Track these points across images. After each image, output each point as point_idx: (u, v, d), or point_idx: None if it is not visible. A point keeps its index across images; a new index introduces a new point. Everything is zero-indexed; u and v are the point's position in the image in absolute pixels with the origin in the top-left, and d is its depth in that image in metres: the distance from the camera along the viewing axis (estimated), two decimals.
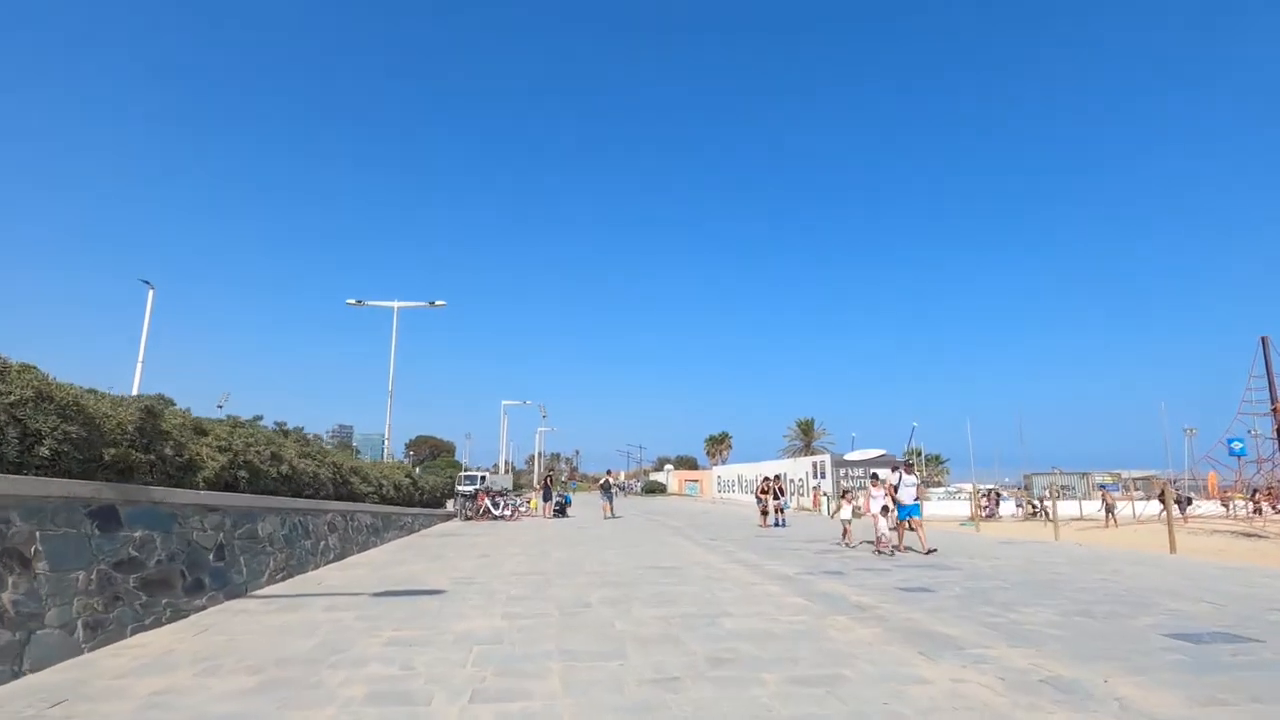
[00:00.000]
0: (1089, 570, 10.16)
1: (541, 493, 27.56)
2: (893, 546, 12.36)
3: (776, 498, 20.57)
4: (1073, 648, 5.26)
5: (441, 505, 24.80)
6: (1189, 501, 29.58)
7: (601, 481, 28.75)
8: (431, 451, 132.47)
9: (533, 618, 6.34)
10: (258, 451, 10.03)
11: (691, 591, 7.89)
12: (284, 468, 10.88)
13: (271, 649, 5.05)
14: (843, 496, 15.17)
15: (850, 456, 43.79)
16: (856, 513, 14.50)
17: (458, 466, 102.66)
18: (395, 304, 29.50)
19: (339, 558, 11.03)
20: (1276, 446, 22.66)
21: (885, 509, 12.63)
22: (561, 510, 26.06)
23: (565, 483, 63.65)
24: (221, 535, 7.41)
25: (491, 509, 23.17)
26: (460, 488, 27.15)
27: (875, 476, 13.33)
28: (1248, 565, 11.63)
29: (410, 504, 20.94)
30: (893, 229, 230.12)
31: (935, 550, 12.33)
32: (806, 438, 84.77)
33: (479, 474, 39.21)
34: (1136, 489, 45.07)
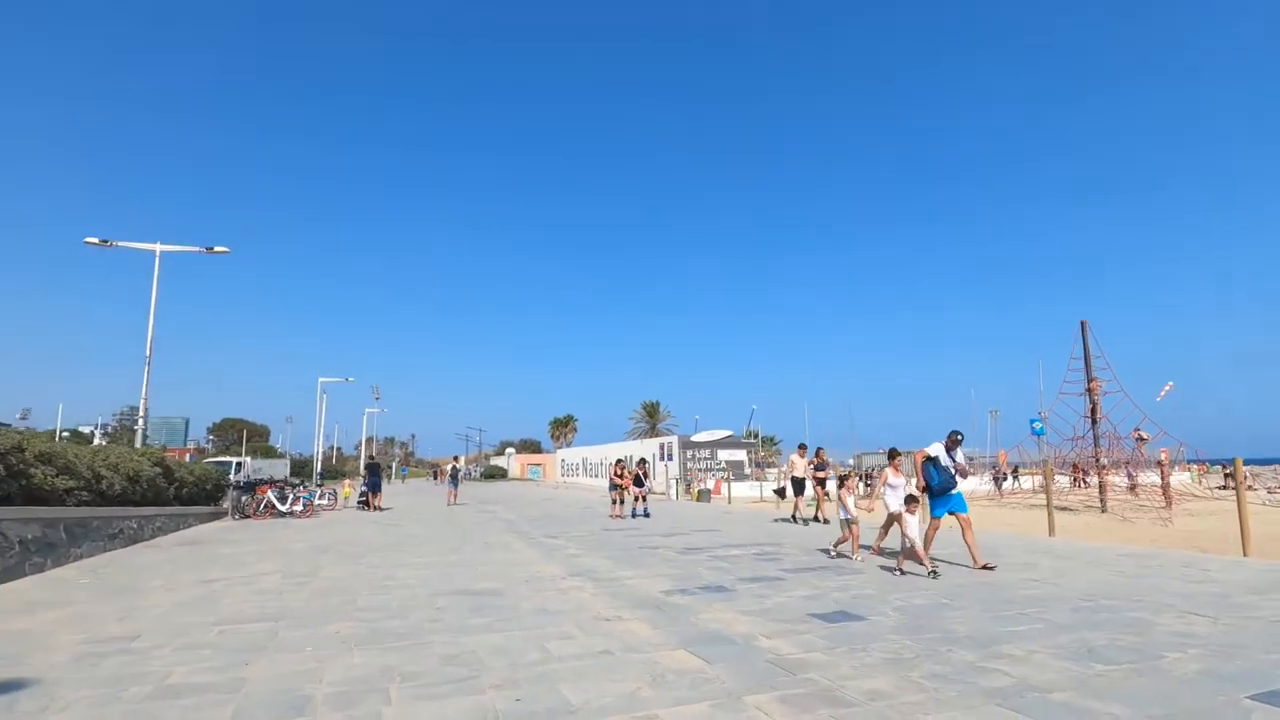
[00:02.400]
0: (1003, 566, 8.44)
1: (367, 480, 22.72)
2: (934, 561, 8.00)
3: (639, 484, 17.56)
4: None
5: (214, 500, 19.58)
6: (1006, 478, 31.44)
7: (449, 467, 27.98)
8: (241, 436, 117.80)
9: None
10: None
11: (512, 645, 4.84)
12: None
13: None
14: (842, 484, 9.64)
15: (697, 438, 42.82)
16: (860, 506, 9.83)
17: (272, 452, 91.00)
18: (157, 247, 23.30)
19: None
20: (1089, 425, 23.89)
21: (913, 501, 8.22)
22: (365, 501, 21.74)
23: (395, 467, 57.37)
24: None
25: (277, 504, 18.45)
26: (233, 477, 21.81)
27: (894, 454, 9.14)
28: (1129, 549, 10.74)
29: (156, 501, 15.96)
30: (722, 222, 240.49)
31: (994, 567, 8.20)
32: (651, 420, 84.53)
33: (234, 460, 32.84)
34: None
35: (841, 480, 9.69)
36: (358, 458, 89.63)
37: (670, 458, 40.79)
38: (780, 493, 15.84)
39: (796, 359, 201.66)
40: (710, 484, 34.30)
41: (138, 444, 22.33)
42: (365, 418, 75.66)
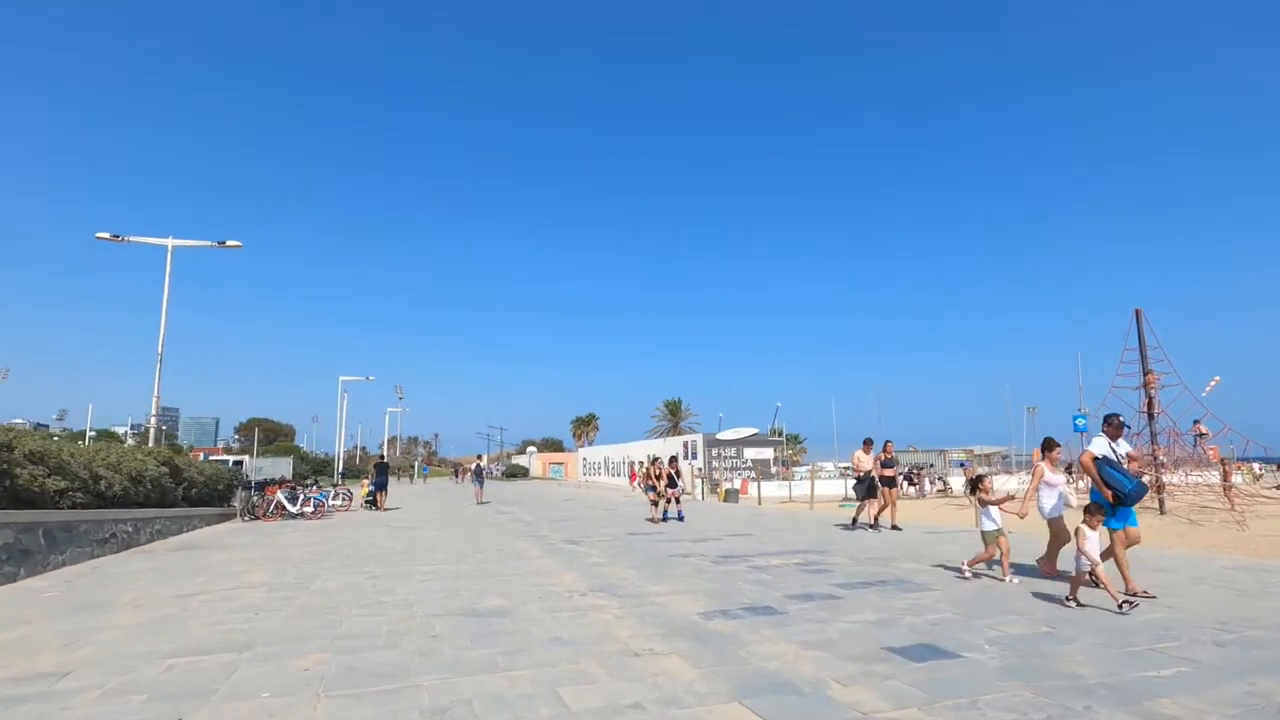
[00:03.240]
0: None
1: (374, 479, 22.76)
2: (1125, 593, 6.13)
3: (673, 484, 16.18)
4: None
5: (225, 501, 18.92)
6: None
7: (474, 466, 28.91)
8: (267, 436, 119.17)
9: None
10: None
11: (518, 692, 3.83)
12: None
13: None
14: (977, 485, 7.86)
15: (722, 435, 41.62)
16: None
17: (296, 451, 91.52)
18: (169, 241, 22.92)
19: None
20: (1146, 420, 22.29)
21: (1096, 511, 6.14)
22: (373, 500, 21.48)
23: (417, 467, 56.99)
24: None
25: (287, 504, 17.72)
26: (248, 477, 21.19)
27: (1050, 444, 7.39)
28: (1228, 559, 9.45)
29: (161, 503, 15.34)
30: (739, 219, 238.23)
31: (1148, 596, 6.31)
32: (674, 418, 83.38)
33: (231, 459, 32.38)
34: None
35: (975, 483, 7.97)
36: (381, 457, 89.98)
37: (695, 456, 39.68)
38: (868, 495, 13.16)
39: (822, 356, 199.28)
40: (737, 483, 33.17)
41: (150, 443, 21.85)
42: (387, 417, 75.68)
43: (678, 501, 16.05)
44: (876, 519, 12.98)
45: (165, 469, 16.15)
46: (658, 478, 15.87)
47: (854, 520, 13.20)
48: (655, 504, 15.82)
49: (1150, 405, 22.42)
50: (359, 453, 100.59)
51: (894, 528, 12.77)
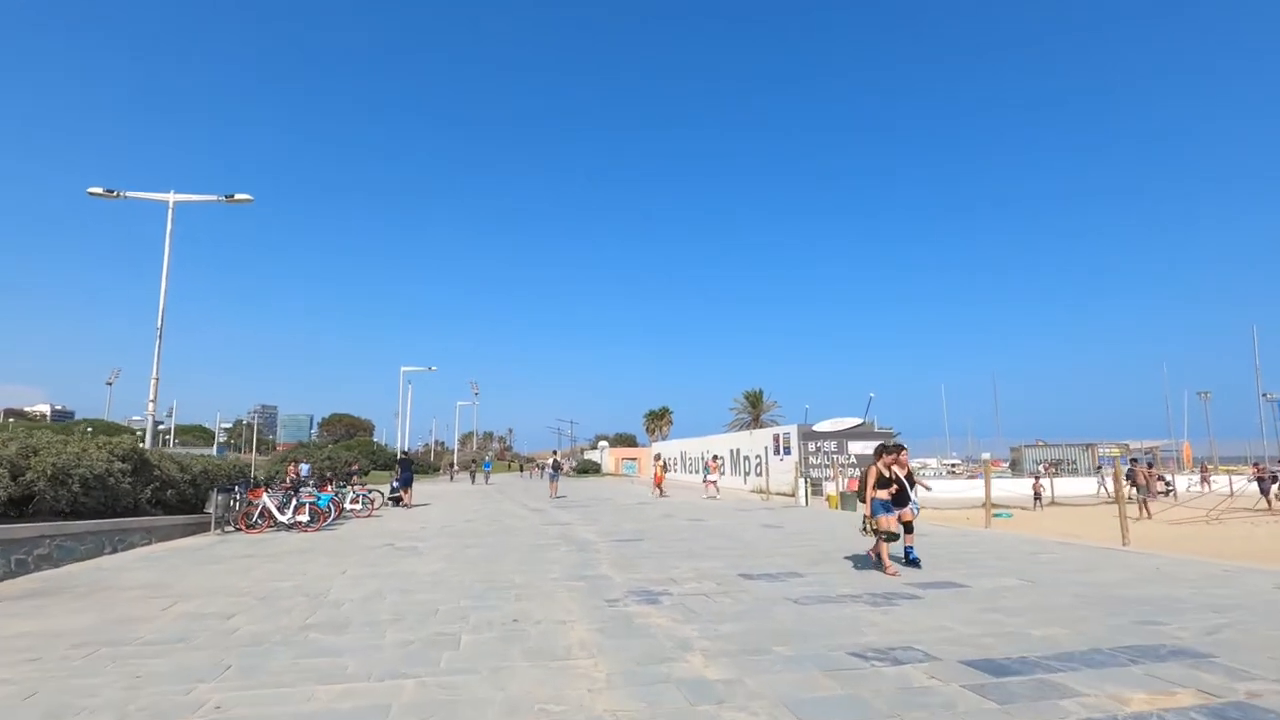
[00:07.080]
0: None
1: (399, 475, 21.19)
2: None
3: (902, 500, 8.21)
4: None
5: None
6: (1274, 479, 22.70)
7: (551, 461, 29.18)
8: (348, 430, 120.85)
9: None
10: None
11: None
12: None
13: None
14: None
15: (820, 427, 35.61)
16: None
17: (371, 445, 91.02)
18: (170, 196, 19.66)
19: None
20: None
21: None
22: (398, 498, 20.35)
23: (476, 462, 53.83)
24: None
25: (275, 513, 13.58)
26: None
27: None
28: None
29: (107, 512, 11.63)
30: (838, 194, 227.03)
31: None
32: (755, 410, 77.52)
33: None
34: (1135, 462, 38.99)
35: None
36: (454, 451, 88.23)
37: (788, 451, 34.11)
38: None
39: (917, 343, 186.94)
40: (842, 484, 27.47)
41: (148, 437, 18.39)
42: (457, 410, 73.64)
43: (910, 531, 8.40)
44: None
45: (124, 464, 12.34)
46: (878, 484, 8.20)
47: None
48: (892, 537, 8.10)
49: None
50: (436, 447, 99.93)
51: None
